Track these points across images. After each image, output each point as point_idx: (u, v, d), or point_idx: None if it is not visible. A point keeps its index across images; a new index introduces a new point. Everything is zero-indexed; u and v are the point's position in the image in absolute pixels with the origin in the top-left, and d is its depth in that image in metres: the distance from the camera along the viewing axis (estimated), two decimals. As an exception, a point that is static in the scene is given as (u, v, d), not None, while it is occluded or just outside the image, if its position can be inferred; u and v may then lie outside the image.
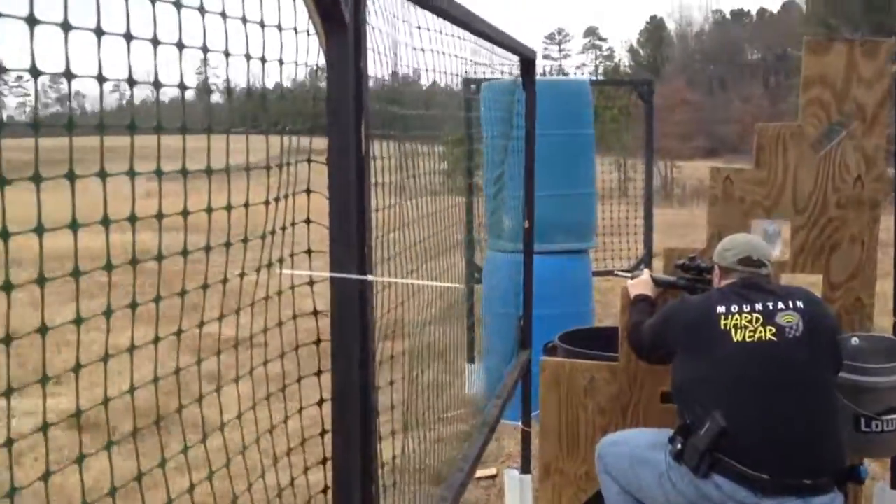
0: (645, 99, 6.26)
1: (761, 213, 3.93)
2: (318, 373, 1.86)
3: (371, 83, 2.53)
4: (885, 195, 3.92)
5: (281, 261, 1.72)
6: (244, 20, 1.57)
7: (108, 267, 1.31)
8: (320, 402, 1.83)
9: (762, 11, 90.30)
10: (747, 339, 3.08)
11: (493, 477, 5.07)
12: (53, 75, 1.18)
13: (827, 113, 3.84)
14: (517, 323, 4.23)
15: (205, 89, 1.86)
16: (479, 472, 5.08)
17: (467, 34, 3.01)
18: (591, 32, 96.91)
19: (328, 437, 1.79)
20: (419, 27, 2.53)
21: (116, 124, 1.34)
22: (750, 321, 3.11)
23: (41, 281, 1.16)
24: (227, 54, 1.58)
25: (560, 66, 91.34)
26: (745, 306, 3.15)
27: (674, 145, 32.53)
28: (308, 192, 1.77)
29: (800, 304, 3.16)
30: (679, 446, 3.08)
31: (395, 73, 2.65)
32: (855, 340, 3.82)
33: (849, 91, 3.81)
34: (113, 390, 1.30)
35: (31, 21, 1.12)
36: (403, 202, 2.36)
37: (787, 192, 3.89)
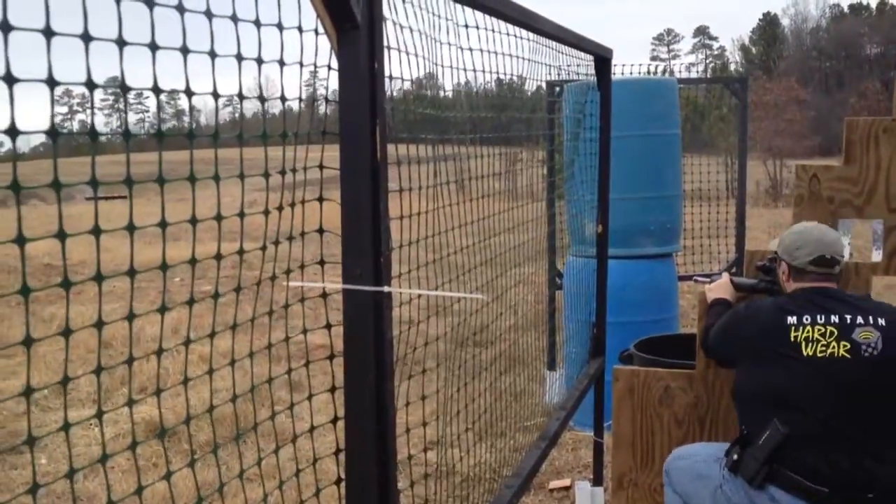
0: (738, 97, 5.97)
1: (851, 213, 3.67)
2: (332, 389, 1.77)
3: (407, 85, 2.45)
4: None
5: (302, 267, 1.64)
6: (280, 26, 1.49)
7: (132, 272, 1.26)
8: (335, 420, 1.74)
9: (882, 4, 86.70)
10: (818, 355, 2.88)
11: (567, 488, 4.91)
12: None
13: (927, 103, 3.56)
14: (591, 330, 4.06)
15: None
16: (554, 483, 4.94)
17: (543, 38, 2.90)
18: (701, 32, 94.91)
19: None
20: (500, 31, 2.42)
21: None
22: (823, 334, 2.89)
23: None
24: (259, 61, 1.51)
25: (668, 66, 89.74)
26: (819, 317, 2.92)
27: (786, 144, 31.40)
28: (321, 199, 1.68)
29: (882, 321, 2.90)
30: (735, 457, 2.93)
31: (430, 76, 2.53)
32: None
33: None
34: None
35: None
36: (455, 205, 2.23)
37: (880, 190, 3.63)
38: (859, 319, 2.90)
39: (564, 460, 5.31)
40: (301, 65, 1.59)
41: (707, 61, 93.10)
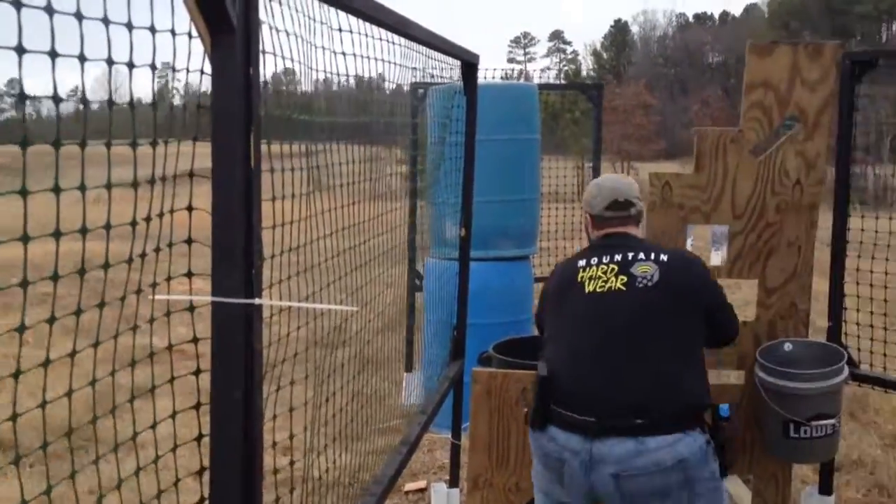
0: (594, 103, 6.17)
1: (700, 219, 3.84)
2: (198, 405, 1.70)
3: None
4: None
5: (168, 279, 1.56)
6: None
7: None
8: (199, 438, 1.67)
9: (724, 15, 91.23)
10: (597, 290, 2.97)
11: (422, 490, 4.94)
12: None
13: (769, 117, 3.75)
14: (451, 333, 4.09)
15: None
16: (409, 486, 4.96)
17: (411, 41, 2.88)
18: (556, 36, 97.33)
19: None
20: (351, 31, 2.38)
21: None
22: (605, 272, 3.00)
23: None
24: (130, 66, 1.43)
25: (524, 69, 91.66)
26: (605, 257, 3.04)
27: (633, 148, 32.67)
28: (190, 209, 1.61)
29: (663, 257, 3.01)
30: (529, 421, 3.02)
31: (323, 80, 2.49)
32: (788, 346, 3.79)
33: (791, 94, 3.73)
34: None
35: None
36: (326, 211, 2.19)
37: (726, 197, 3.81)
38: (640, 256, 3.01)
39: (420, 462, 5.32)
40: (173, 69, 1.52)
41: (561, 65, 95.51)
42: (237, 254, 1.59)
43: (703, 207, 3.82)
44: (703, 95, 49.28)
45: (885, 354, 4.00)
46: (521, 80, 40.79)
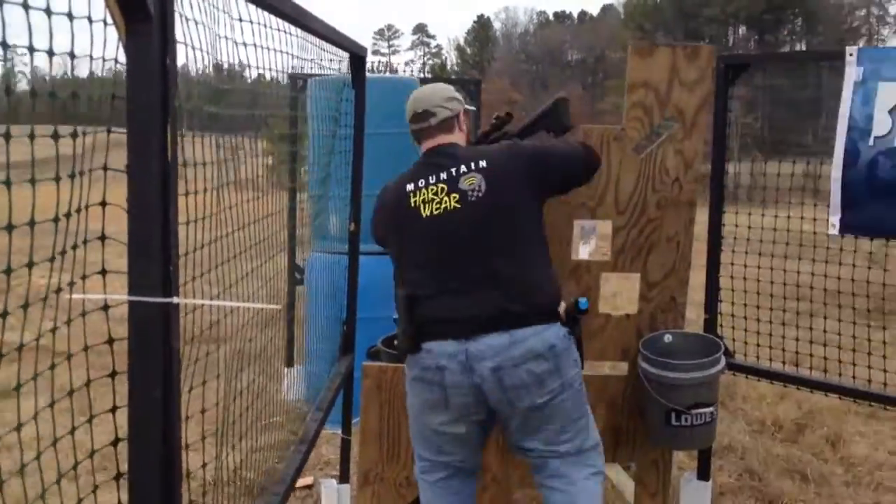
0: (473, 97, 6.24)
1: (586, 214, 3.94)
2: (114, 409, 1.63)
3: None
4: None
5: (71, 284, 1.48)
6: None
7: None
8: (115, 443, 1.60)
9: (583, 14, 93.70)
10: (435, 213, 3.09)
11: (309, 487, 4.88)
12: None
13: (650, 116, 3.88)
14: (341, 328, 4.06)
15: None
16: (297, 482, 4.89)
17: (293, 28, 2.81)
18: (419, 29, 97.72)
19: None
20: (241, 19, 2.31)
21: None
22: (436, 193, 3.11)
23: None
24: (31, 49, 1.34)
25: (389, 62, 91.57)
26: (431, 178, 3.13)
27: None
28: (103, 204, 1.53)
29: (482, 163, 3.13)
30: (395, 341, 3.18)
31: (217, 68, 2.41)
32: (668, 338, 3.94)
33: (671, 95, 3.86)
34: None
35: None
36: (221, 208, 2.12)
37: (610, 193, 3.92)
38: (462, 168, 3.12)
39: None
40: (91, 58, 1.44)
41: (425, 58, 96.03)
42: (154, 250, 1.54)
43: (588, 203, 3.92)
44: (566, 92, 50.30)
45: (757, 345, 4.21)
46: (388, 73, 40.84)
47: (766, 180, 4.27)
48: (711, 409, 3.75)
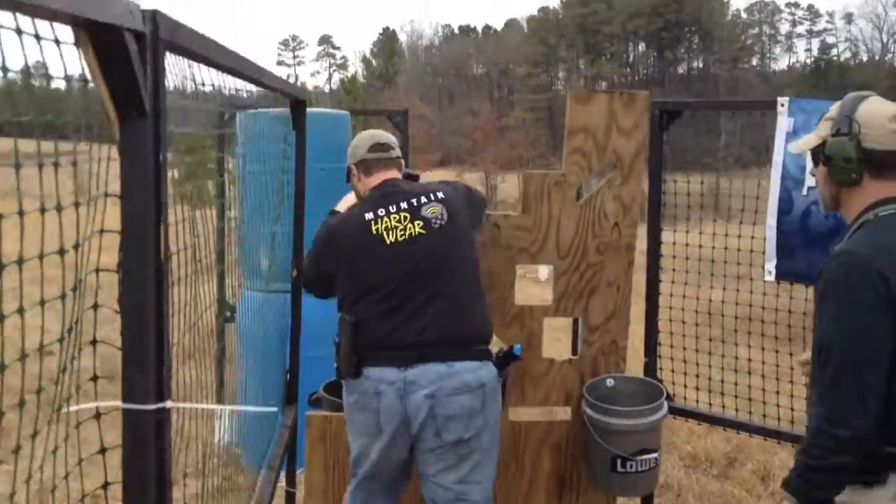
0: (401, 129, 6.22)
1: (528, 259, 3.97)
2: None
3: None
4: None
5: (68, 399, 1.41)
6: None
7: None
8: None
9: (487, 28, 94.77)
10: (399, 239, 3.18)
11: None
12: None
13: (589, 162, 3.94)
14: (283, 377, 3.98)
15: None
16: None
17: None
18: (325, 41, 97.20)
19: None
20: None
21: None
22: (399, 220, 3.21)
23: None
24: None
25: (294, 73, 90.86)
26: (391, 207, 3.24)
27: (410, 158, 33.24)
28: (95, 307, 1.47)
29: (440, 194, 3.30)
30: (337, 367, 3.22)
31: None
32: (610, 382, 4.00)
33: (609, 141, 3.93)
34: None
35: None
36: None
37: (552, 238, 3.96)
38: (423, 199, 3.26)
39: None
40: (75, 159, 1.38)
41: (331, 69, 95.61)
42: (148, 357, 1.48)
43: (530, 248, 3.95)
44: (470, 107, 50.95)
45: (697, 388, 4.29)
46: (295, 83, 40.35)
47: (666, 198, 4.34)
48: (656, 454, 3.82)
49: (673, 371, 4.26)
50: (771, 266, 3.73)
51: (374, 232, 3.18)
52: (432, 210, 3.22)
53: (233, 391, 5.38)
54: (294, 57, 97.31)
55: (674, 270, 4.23)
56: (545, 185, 3.93)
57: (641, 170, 4.02)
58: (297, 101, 3.78)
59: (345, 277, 3.26)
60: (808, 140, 2.35)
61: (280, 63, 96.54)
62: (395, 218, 3.20)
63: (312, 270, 3.43)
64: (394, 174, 3.41)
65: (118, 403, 1.46)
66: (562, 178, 3.95)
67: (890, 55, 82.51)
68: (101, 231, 1.44)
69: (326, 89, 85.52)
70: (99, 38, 1.22)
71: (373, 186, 3.37)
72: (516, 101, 74.74)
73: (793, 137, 3.67)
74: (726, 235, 4.21)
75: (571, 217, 3.96)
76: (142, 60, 1.32)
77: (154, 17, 1.34)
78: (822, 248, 3.60)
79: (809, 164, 3.55)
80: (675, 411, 4.26)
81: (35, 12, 1.03)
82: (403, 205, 3.22)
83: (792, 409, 4.00)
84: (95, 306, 1.46)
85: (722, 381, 4.34)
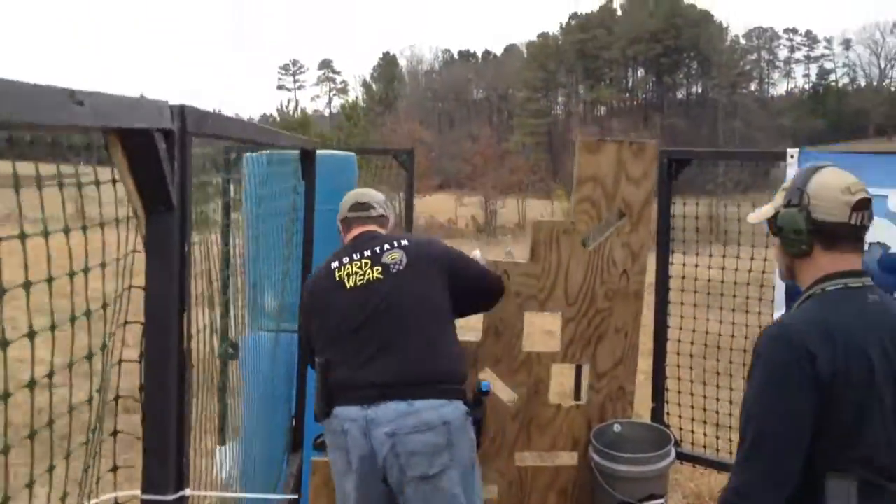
0: (406, 167, 6.23)
1: (535, 307, 3.96)
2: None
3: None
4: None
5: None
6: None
7: None
8: None
9: (486, 53, 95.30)
10: (358, 283, 3.28)
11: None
12: None
13: (598, 210, 3.94)
14: (289, 424, 3.96)
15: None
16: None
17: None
18: (325, 65, 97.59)
19: None
20: None
21: None
22: (360, 267, 3.32)
23: None
24: None
25: (294, 97, 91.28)
26: (355, 255, 3.36)
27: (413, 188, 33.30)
28: (117, 398, 1.46)
29: (405, 242, 3.38)
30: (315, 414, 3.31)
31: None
32: (617, 427, 3.99)
33: (618, 189, 3.94)
34: None
35: None
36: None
37: (560, 285, 3.96)
38: (386, 246, 3.35)
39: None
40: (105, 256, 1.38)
41: (331, 94, 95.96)
42: (169, 450, 1.48)
43: (538, 295, 3.95)
44: (470, 131, 51.04)
45: (704, 434, 4.28)
46: (293, 108, 40.40)
47: (674, 221, 4.35)
48: (662, 500, 3.80)
49: (680, 416, 4.25)
50: (778, 314, 3.73)
51: (337, 278, 3.32)
52: (392, 256, 3.31)
53: (235, 426, 5.37)
54: (294, 81, 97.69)
55: (682, 304, 4.23)
56: (554, 233, 3.94)
57: (650, 217, 4.03)
58: (306, 152, 3.80)
59: (315, 322, 3.37)
60: (765, 211, 2.32)
61: (280, 87, 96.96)
62: (356, 264, 3.32)
63: (303, 335, 3.57)
64: (370, 228, 3.54)
65: (137, 493, 1.45)
66: (571, 226, 3.95)
67: (887, 81, 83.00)
68: (126, 323, 1.43)
69: (326, 113, 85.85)
70: (129, 140, 1.22)
71: (349, 239, 3.53)
72: (516, 126, 75.05)
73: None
74: (724, 256, 4.22)
75: (580, 264, 3.96)
76: (170, 157, 1.32)
77: (182, 112, 1.34)
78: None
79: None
80: (683, 457, 4.25)
81: (69, 129, 1.02)
82: (367, 252, 3.34)
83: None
84: (117, 398, 1.45)
85: (730, 414, 4.30)
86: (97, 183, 1.22)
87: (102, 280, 1.35)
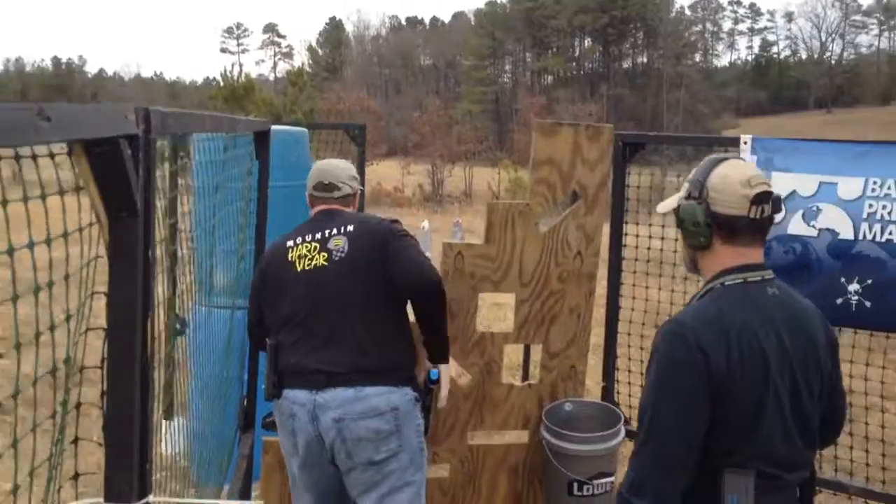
0: (357, 143, 6.16)
1: (490, 288, 3.96)
2: None
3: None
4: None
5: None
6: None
7: None
8: None
9: (434, 20, 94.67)
10: (306, 268, 3.28)
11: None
12: None
13: (553, 193, 3.95)
14: (239, 402, 3.92)
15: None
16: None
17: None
18: (270, 29, 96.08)
19: None
20: None
21: None
22: (310, 250, 3.31)
23: None
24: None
25: (238, 61, 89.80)
26: (307, 236, 3.35)
27: (365, 166, 33.08)
28: (78, 405, 1.43)
29: (350, 227, 3.33)
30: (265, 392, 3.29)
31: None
32: (568, 406, 4.03)
33: (574, 172, 3.95)
34: None
35: None
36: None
37: (514, 266, 3.96)
38: (334, 231, 3.32)
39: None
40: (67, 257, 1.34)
41: (276, 58, 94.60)
42: (132, 460, 1.45)
43: (492, 276, 3.95)
44: (417, 98, 50.71)
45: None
46: (237, 72, 39.63)
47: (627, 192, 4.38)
48: (612, 478, 3.86)
49: (630, 395, 4.31)
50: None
51: (289, 259, 3.31)
52: (336, 242, 3.29)
53: (182, 402, 5.30)
54: (238, 45, 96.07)
55: (634, 272, 4.27)
56: (509, 215, 3.94)
57: (605, 200, 4.05)
58: (260, 133, 3.75)
59: (266, 298, 3.37)
60: (669, 202, 2.30)
61: (224, 51, 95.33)
62: (306, 247, 3.31)
63: (253, 311, 3.48)
64: (330, 207, 3.49)
65: (100, 501, 1.42)
66: (526, 207, 3.95)
67: (828, 54, 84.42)
68: (87, 329, 1.40)
69: (271, 77, 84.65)
70: (94, 149, 1.17)
71: (313, 213, 3.52)
72: (463, 94, 74.85)
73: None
74: (667, 226, 4.27)
75: (535, 246, 3.97)
76: (135, 162, 1.28)
77: (147, 116, 1.30)
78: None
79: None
80: (633, 435, 4.30)
81: (38, 145, 0.99)
82: (318, 235, 3.33)
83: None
84: (79, 405, 1.42)
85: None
86: (61, 193, 1.18)
87: (66, 289, 1.31)
